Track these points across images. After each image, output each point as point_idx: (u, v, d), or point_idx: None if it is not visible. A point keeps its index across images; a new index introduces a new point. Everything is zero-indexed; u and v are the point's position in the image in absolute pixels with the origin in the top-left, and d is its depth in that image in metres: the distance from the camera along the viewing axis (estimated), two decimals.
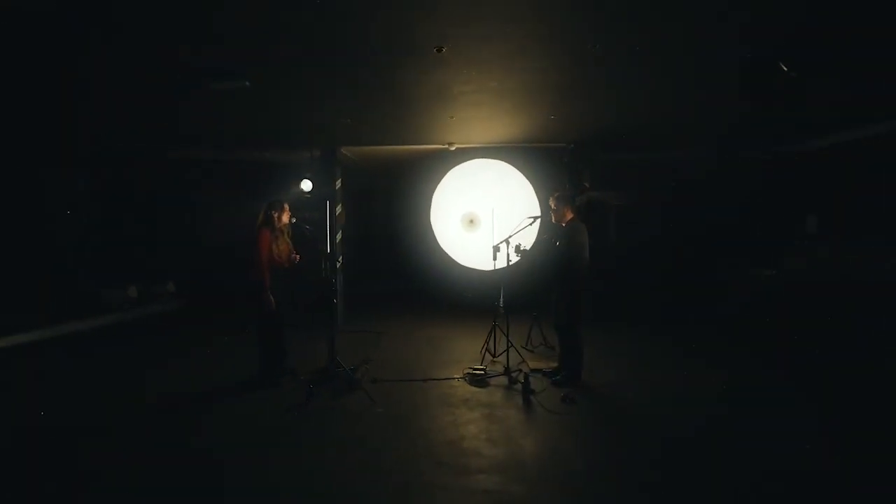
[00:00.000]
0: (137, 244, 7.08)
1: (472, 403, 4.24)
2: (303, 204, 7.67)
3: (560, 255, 4.45)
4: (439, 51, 3.69)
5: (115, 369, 5.35)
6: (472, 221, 6.95)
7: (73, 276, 6.42)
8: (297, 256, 4.77)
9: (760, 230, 7.37)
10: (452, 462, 3.24)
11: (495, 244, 4.83)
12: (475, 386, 4.66)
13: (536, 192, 7.06)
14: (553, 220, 4.67)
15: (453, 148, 7.25)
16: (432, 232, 7.49)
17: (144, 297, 6.66)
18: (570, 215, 4.58)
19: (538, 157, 7.62)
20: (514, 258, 4.71)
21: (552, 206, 4.64)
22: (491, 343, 5.42)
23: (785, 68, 4.12)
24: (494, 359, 5.33)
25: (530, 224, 4.70)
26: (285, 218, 4.73)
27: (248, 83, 4.38)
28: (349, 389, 4.46)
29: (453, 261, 7.32)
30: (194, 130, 6.31)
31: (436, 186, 7.41)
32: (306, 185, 6.84)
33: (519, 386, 4.52)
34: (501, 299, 7.89)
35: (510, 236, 4.74)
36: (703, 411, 4.04)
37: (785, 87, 4.35)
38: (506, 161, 7.21)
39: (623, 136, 6.67)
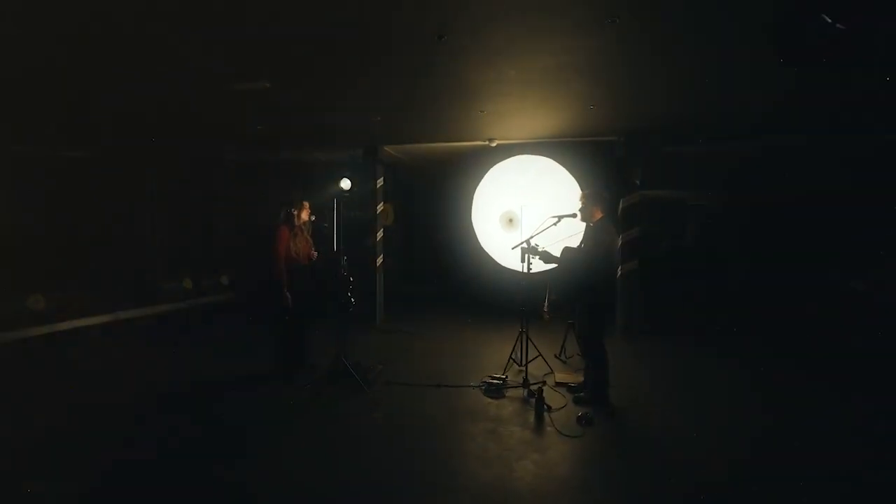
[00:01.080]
0: (196, 239, 7.55)
1: (480, 416, 3.90)
2: (346, 202, 7.75)
3: (583, 258, 3.97)
4: (440, 38, 3.40)
5: (144, 354, 5.67)
6: (510, 221, 6.54)
7: (140, 268, 6.97)
8: (316, 254, 4.72)
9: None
10: (430, 481, 2.96)
11: (514, 246, 4.44)
12: (489, 396, 4.31)
13: (583, 190, 6.49)
14: (580, 218, 4.19)
15: (494, 144, 6.88)
16: (473, 232, 7.17)
17: (199, 289, 7.06)
18: (599, 214, 4.08)
19: (586, 152, 7.01)
20: (535, 261, 4.28)
21: (581, 202, 4.17)
22: (520, 350, 5.02)
23: None
24: (521, 367, 4.93)
25: (555, 224, 4.25)
26: (304, 215, 4.71)
27: (268, 84, 4.40)
28: (359, 391, 4.32)
29: (494, 262, 6.95)
30: (245, 132, 6.55)
31: (477, 184, 7.09)
32: (346, 183, 6.85)
33: (535, 400, 4.11)
34: (547, 303, 7.45)
35: (531, 237, 4.32)
36: (744, 452, 3.38)
37: None
38: (550, 157, 6.69)
39: (680, 125, 5.90)
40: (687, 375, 4.97)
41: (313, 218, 4.70)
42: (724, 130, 6.08)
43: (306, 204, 4.71)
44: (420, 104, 5.15)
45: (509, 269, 6.77)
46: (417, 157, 8.42)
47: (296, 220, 4.65)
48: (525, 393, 4.30)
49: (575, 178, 6.53)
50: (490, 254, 7.00)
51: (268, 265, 4.54)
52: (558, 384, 4.58)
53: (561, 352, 5.44)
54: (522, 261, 4.41)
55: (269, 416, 3.88)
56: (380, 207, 7.43)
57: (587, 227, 4.14)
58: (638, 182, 6.24)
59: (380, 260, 7.42)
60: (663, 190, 7.03)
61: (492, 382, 4.45)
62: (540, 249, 4.18)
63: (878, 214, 6.44)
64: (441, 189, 8.75)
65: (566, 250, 4.14)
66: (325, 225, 4.67)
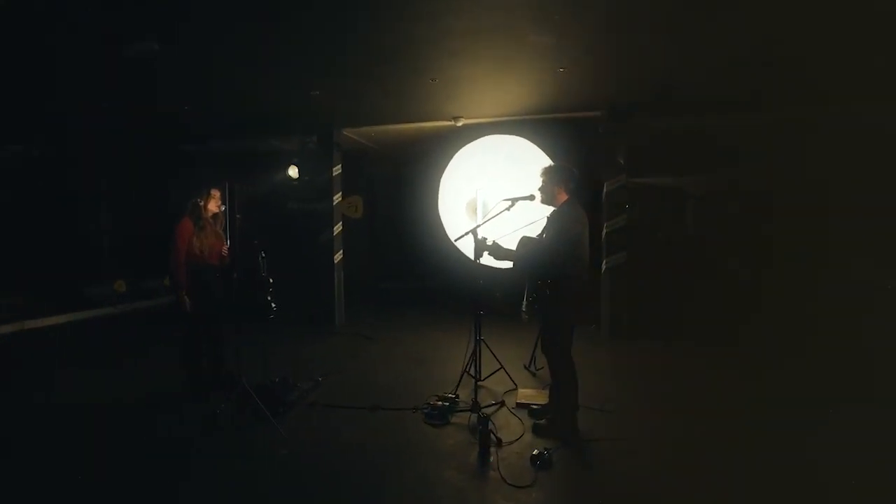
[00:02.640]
0: (132, 239, 6.73)
1: (411, 452, 3.04)
2: (298, 193, 6.92)
3: (543, 251, 3.10)
4: None
5: (44, 369, 4.83)
6: (476, 210, 5.67)
7: (67, 270, 6.15)
8: (227, 248, 3.86)
9: None
10: None
11: (457, 237, 3.57)
12: (430, 423, 3.44)
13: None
14: (541, 201, 3.31)
15: (460, 123, 5.99)
16: (440, 222, 6.31)
17: (136, 292, 6.25)
18: (563, 196, 3.19)
19: (565, 130, 6.10)
20: (483, 254, 3.38)
21: (540, 182, 3.29)
22: (476, 363, 4.15)
23: None
24: (481, 382, 4.05)
25: (507, 208, 3.37)
26: (213, 206, 3.85)
27: (157, 46, 3.56)
28: (275, 414, 3.48)
29: (464, 255, 6.08)
30: (176, 119, 5.70)
31: (443, 171, 6.21)
32: (293, 171, 6.02)
33: (483, 427, 3.25)
34: (525, 302, 6.56)
35: (479, 226, 3.43)
36: None
37: None
38: (523, 137, 5.80)
39: (669, 93, 4.98)
40: (679, 391, 4.09)
41: (223, 207, 3.84)
42: (721, 99, 5.15)
43: (216, 193, 3.85)
44: (360, 72, 4.28)
45: (480, 264, 5.89)
46: (384, 144, 7.55)
47: (203, 211, 3.81)
48: (476, 419, 3.43)
49: (552, 160, 5.62)
50: (458, 246, 6.13)
51: (168, 265, 3.72)
52: (520, 405, 3.72)
53: (531, 362, 4.57)
54: (477, 256, 3.53)
55: (136, 459, 3.05)
56: (337, 198, 6.57)
57: (551, 212, 3.27)
58: (622, 162, 5.33)
59: (338, 256, 6.57)
60: (657, 174, 6.09)
61: (436, 405, 3.59)
62: (488, 242, 3.30)
63: None
64: (410, 177, 7.87)
65: (524, 242, 3.27)
66: (239, 216, 3.82)
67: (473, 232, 3.35)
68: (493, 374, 4.16)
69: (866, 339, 4.66)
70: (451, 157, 6.17)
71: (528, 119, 5.86)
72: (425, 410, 3.60)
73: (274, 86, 4.65)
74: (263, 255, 3.76)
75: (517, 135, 5.77)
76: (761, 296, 5.70)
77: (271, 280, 3.85)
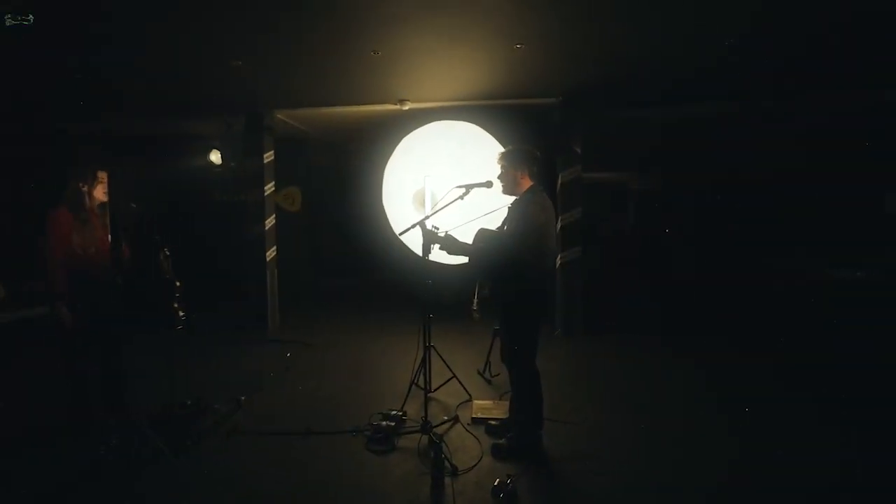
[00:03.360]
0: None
1: (349, 489, 2.51)
2: (224, 182, 6.12)
3: (505, 244, 2.65)
4: None
5: None
6: (424, 201, 5.17)
7: None
8: (108, 243, 3.11)
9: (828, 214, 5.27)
10: None
11: (402, 230, 3.06)
12: (373, 449, 2.92)
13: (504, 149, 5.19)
14: (503, 190, 2.87)
15: (406, 107, 5.45)
16: (385, 216, 5.74)
17: (17, 298, 5.21)
18: (526, 182, 2.76)
19: (520, 118, 5.73)
20: (433, 247, 2.87)
21: (499, 167, 2.84)
22: (425, 373, 3.66)
23: None
24: (431, 394, 3.55)
25: (461, 197, 2.89)
26: (99, 193, 3.09)
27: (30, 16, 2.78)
28: (179, 450, 2.82)
29: (412, 251, 5.56)
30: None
31: (387, 160, 5.64)
32: (215, 156, 5.23)
33: (435, 453, 2.77)
34: (476, 301, 6.21)
35: (428, 216, 2.93)
36: None
37: None
38: (475, 123, 5.34)
39: (628, 80, 4.71)
40: (643, 393, 3.81)
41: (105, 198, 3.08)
42: (681, 88, 4.95)
43: (103, 176, 3.09)
44: (287, 38, 3.63)
45: (428, 260, 5.39)
46: (324, 130, 6.86)
47: (87, 199, 3.04)
48: (425, 440, 2.94)
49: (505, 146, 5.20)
50: (404, 241, 5.59)
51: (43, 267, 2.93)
52: (476, 420, 3.27)
53: (485, 368, 4.14)
54: (425, 252, 3.01)
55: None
56: (269, 188, 5.83)
57: (513, 201, 2.83)
58: (579, 151, 5.01)
59: (271, 253, 5.84)
60: (605, 167, 5.87)
61: (381, 425, 3.06)
62: (440, 234, 2.80)
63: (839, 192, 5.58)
64: (353, 167, 7.24)
65: (482, 234, 2.81)
66: (133, 205, 3.09)
67: (421, 223, 2.85)
68: (444, 384, 3.69)
69: (812, 328, 4.63)
70: (397, 144, 5.61)
71: (480, 105, 5.43)
72: (367, 433, 3.06)
73: (187, 52, 3.90)
74: (167, 252, 3.05)
75: (468, 121, 5.30)
76: (711, 289, 5.62)
77: (179, 283, 3.15)
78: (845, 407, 3.35)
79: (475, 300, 6.33)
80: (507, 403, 3.27)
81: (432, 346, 3.44)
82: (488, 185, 2.81)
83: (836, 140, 5.45)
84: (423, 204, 5.22)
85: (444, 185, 5.15)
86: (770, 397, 3.59)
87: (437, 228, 2.78)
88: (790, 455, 2.76)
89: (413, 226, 2.90)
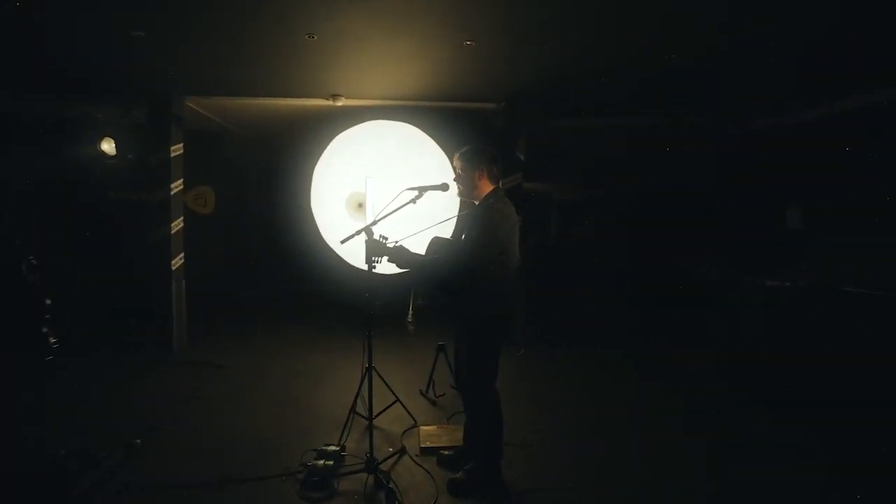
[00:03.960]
0: None
1: None
2: (121, 178, 5.24)
3: (462, 255, 2.33)
4: None
5: None
6: (360, 206, 4.73)
7: None
8: None
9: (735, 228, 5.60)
10: None
11: (344, 238, 2.64)
12: (309, 497, 2.45)
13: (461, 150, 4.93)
14: (458, 193, 2.56)
15: (340, 103, 5.00)
16: (314, 221, 5.21)
17: None
18: (487, 186, 2.46)
19: (462, 121, 5.51)
20: (380, 259, 2.49)
21: (457, 169, 2.52)
22: (367, 398, 3.24)
23: None
24: (372, 421, 3.13)
25: (413, 200, 2.54)
26: None
27: None
28: None
29: (343, 260, 5.08)
30: None
31: (317, 160, 5.13)
32: (107, 145, 4.41)
33: (384, 496, 2.38)
34: (410, 312, 5.89)
35: (374, 223, 2.55)
36: None
37: None
38: (414, 125, 5.02)
39: (576, 86, 4.66)
40: (594, 406, 3.68)
41: None
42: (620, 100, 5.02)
43: None
44: (201, 3, 3.06)
45: (364, 270, 4.95)
46: (246, 124, 6.16)
47: None
48: (370, 480, 2.52)
49: (447, 154, 4.93)
50: (336, 249, 5.09)
51: None
52: (425, 451, 2.91)
53: (428, 387, 3.79)
54: (369, 261, 2.60)
55: None
56: (177, 186, 5.04)
57: (470, 207, 2.53)
58: (522, 158, 4.88)
59: (178, 261, 5.04)
60: (547, 177, 5.84)
61: (316, 466, 2.60)
62: (390, 245, 2.42)
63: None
64: (279, 166, 6.58)
65: (437, 244, 2.49)
66: None
67: (367, 230, 2.45)
68: (386, 408, 3.29)
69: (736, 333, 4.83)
70: (328, 143, 5.12)
71: (420, 106, 5.12)
72: (301, 476, 2.58)
73: (73, 13, 3.15)
74: (33, 260, 2.36)
75: (407, 122, 4.96)
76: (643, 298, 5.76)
77: (49, 302, 2.46)
78: (800, 406, 3.46)
79: (410, 311, 5.99)
80: (457, 428, 2.96)
81: (373, 367, 3.03)
82: (444, 188, 2.50)
83: (746, 158, 5.85)
84: (358, 208, 4.78)
85: (384, 189, 4.80)
86: (724, 398, 3.64)
87: (386, 238, 2.41)
88: (760, 468, 2.73)
89: (357, 233, 2.50)
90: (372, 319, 2.75)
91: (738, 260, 5.42)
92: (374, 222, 2.50)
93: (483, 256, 2.24)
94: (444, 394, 3.71)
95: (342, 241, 2.62)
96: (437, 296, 2.50)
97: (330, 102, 4.96)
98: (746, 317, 4.72)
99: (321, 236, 5.30)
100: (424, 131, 4.94)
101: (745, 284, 4.74)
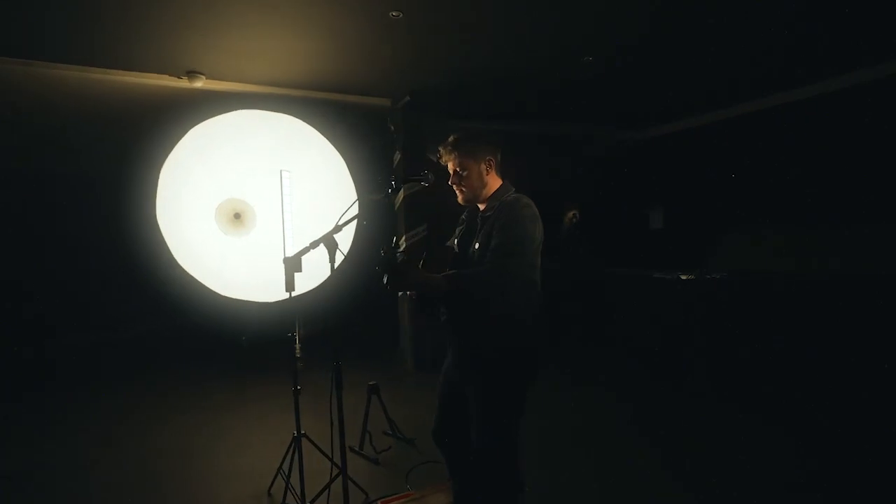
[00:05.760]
0: None
1: None
2: None
3: (495, 266, 1.60)
4: None
5: None
6: (238, 216, 3.63)
7: None
8: None
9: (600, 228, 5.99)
10: None
11: (295, 253, 1.78)
12: None
13: (350, 169, 4.11)
14: (463, 199, 1.82)
15: (199, 84, 3.82)
16: (160, 234, 3.85)
17: None
18: (496, 182, 1.79)
19: (359, 117, 4.80)
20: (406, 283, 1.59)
21: (453, 166, 1.78)
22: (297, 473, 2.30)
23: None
24: None
25: (387, 195, 1.82)
26: None
27: None
28: None
29: (204, 287, 3.82)
30: None
31: (165, 157, 3.82)
32: None
33: None
34: (298, 346, 4.90)
35: (338, 228, 1.73)
36: None
37: None
38: (299, 118, 4.10)
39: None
40: (553, 429, 3.30)
41: None
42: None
43: None
44: None
45: (236, 300, 3.81)
46: (59, 101, 4.37)
47: None
48: None
49: (342, 154, 4.12)
50: (191, 272, 3.81)
51: None
52: None
53: (361, 442, 2.96)
54: (396, 286, 1.61)
55: None
56: None
57: (486, 209, 1.78)
58: (434, 160, 4.36)
59: None
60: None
61: None
62: (398, 253, 1.60)
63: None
64: (110, 163, 4.88)
65: (447, 255, 1.81)
66: None
67: (392, 248, 1.59)
68: (323, 490, 2.36)
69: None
70: (182, 135, 3.86)
71: (309, 97, 4.24)
72: None
73: None
74: None
75: (292, 115, 4.02)
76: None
77: None
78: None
79: (297, 345, 5.02)
80: (432, 492, 2.27)
81: (304, 434, 2.17)
82: (426, 179, 1.83)
83: (615, 167, 6.34)
84: (235, 220, 3.71)
85: (266, 195, 3.83)
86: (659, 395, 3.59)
87: (399, 247, 1.65)
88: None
89: (313, 245, 1.68)
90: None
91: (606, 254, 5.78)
92: (338, 228, 1.70)
93: (515, 273, 1.62)
94: (388, 448, 2.93)
95: (301, 252, 1.75)
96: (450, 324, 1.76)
97: (185, 83, 3.75)
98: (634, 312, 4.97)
99: (172, 256, 3.99)
100: (315, 126, 4.07)
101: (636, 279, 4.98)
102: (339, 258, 1.78)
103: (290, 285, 1.80)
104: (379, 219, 4.01)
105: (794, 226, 4.66)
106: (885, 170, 4.05)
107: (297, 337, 5.03)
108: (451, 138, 1.78)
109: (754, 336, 3.89)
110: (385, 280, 1.53)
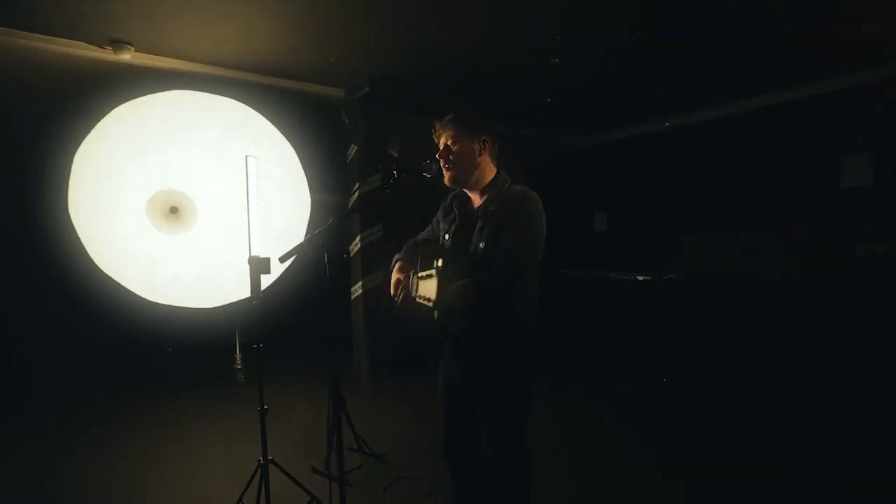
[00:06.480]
0: None
1: None
2: None
3: (508, 265, 1.44)
4: None
5: None
6: (175, 210, 3.17)
7: None
8: None
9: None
10: None
11: (284, 254, 1.47)
12: None
13: (302, 160, 3.76)
14: (450, 180, 1.59)
15: (127, 57, 3.32)
16: (75, 233, 3.30)
17: None
18: (490, 169, 1.61)
19: (310, 106, 4.43)
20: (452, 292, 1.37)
21: (446, 140, 1.58)
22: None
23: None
24: None
25: (385, 186, 1.56)
26: None
27: None
28: None
29: (129, 291, 3.32)
30: None
31: (80, 142, 3.28)
32: None
33: None
34: (239, 356, 4.58)
35: (445, 232, 1.45)
36: None
37: None
38: (245, 103, 3.69)
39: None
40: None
41: None
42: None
43: None
44: None
45: (166, 306, 3.36)
46: None
47: None
48: None
49: (293, 145, 3.78)
50: (113, 275, 3.30)
51: None
52: None
53: (327, 461, 2.64)
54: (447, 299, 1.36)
55: None
56: None
57: (487, 201, 1.57)
58: (396, 155, 4.10)
59: None
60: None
61: None
62: (438, 264, 1.34)
63: None
64: (19, 146, 4.15)
65: (446, 255, 1.55)
66: None
67: (445, 252, 1.32)
68: None
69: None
70: (101, 117, 3.33)
71: (257, 82, 3.85)
72: None
73: None
74: None
75: (236, 99, 3.61)
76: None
77: None
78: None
79: (237, 355, 4.73)
80: None
81: (272, 460, 1.87)
82: (432, 170, 1.58)
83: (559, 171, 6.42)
84: (171, 214, 3.29)
85: (206, 187, 3.48)
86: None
87: (448, 235, 1.44)
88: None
89: (300, 247, 1.40)
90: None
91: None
92: (320, 233, 1.43)
93: (523, 273, 1.47)
94: (360, 465, 2.64)
95: (281, 259, 1.45)
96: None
97: (109, 54, 3.24)
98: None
99: (90, 257, 3.50)
100: (262, 113, 3.71)
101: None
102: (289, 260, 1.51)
103: (255, 290, 1.50)
104: (333, 219, 3.73)
105: (738, 228, 4.89)
106: (814, 178, 4.34)
107: (237, 346, 4.56)
108: (448, 115, 1.60)
109: (711, 332, 4.05)
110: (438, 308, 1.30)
